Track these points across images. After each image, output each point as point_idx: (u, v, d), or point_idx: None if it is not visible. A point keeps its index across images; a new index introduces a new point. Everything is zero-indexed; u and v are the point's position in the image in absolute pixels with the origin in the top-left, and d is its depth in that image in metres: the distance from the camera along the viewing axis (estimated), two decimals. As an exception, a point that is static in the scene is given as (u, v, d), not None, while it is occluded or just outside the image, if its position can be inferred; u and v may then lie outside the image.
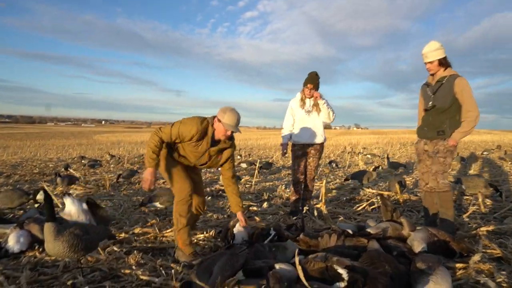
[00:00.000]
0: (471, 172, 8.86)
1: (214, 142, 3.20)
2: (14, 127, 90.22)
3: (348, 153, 16.70)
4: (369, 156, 14.85)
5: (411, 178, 7.80)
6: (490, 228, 3.63)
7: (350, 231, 2.86)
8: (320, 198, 4.80)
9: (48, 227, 2.41)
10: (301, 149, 4.64)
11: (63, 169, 10.13)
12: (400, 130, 74.78)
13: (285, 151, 4.75)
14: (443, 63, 3.59)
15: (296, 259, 2.07)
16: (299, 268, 2.04)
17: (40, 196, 2.43)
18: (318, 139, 4.62)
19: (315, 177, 4.86)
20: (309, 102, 4.58)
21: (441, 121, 3.61)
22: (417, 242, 2.72)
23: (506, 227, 3.71)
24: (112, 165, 12.31)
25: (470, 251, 2.80)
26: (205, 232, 3.76)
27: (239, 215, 3.34)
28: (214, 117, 3.17)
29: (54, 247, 2.42)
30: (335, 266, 2.24)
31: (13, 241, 3.09)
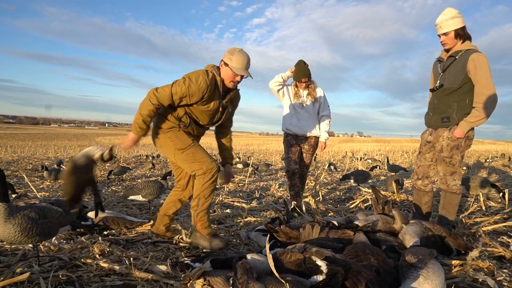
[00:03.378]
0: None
1: (224, 94, 2.84)
2: (18, 127, 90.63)
3: (349, 158, 16.42)
4: (369, 161, 14.55)
5: (410, 181, 7.51)
6: (491, 227, 3.34)
7: (335, 223, 2.60)
8: (312, 194, 4.53)
9: None
10: (294, 139, 4.31)
11: (55, 165, 9.93)
12: (404, 139, 74.22)
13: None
14: (461, 34, 2.98)
15: (267, 247, 1.82)
16: (269, 257, 1.79)
17: None
18: (313, 132, 4.28)
19: (308, 173, 4.54)
20: (303, 93, 4.26)
21: (448, 105, 3.04)
22: (409, 236, 2.45)
23: (508, 227, 3.43)
24: (107, 164, 12.11)
25: (468, 248, 2.52)
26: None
27: (228, 167, 3.16)
28: (215, 66, 2.80)
29: (4, 230, 2.18)
30: (314, 258, 1.98)
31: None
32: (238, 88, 2.94)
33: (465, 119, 2.94)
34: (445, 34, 3.01)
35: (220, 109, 2.85)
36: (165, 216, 3.12)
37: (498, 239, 3.05)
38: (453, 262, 2.35)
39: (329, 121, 4.34)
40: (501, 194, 4.71)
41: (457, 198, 3.17)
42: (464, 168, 10.49)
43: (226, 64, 2.72)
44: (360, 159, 15.00)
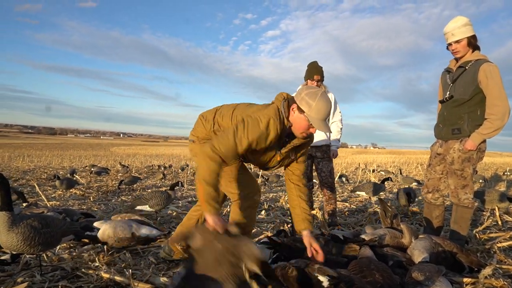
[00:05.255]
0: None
1: (286, 139, 2.27)
2: (36, 137, 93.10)
3: (362, 170, 16.18)
4: (382, 172, 14.28)
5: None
6: (507, 243, 3.20)
7: (341, 237, 2.53)
8: (320, 206, 4.45)
9: (2, 216, 2.19)
10: None
11: (68, 174, 10.08)
12: (419, 150, 72.96)
13: None
14: (472, 43, 2.89)
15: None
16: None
17: None
18: (324, 141, 4.01)
19: (335, 185, 4.14)
20: None
21: (458, 117, 2.94)
22: (418, 252, 2.35)
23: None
24: (120, 174, 12.24)
25: (481, 265, 2.40)
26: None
27: (306, 235, 2.32)
28: (286, 101, 2.17)
29: (7, 239, 2.19)
30: (316, 274, 1.92)
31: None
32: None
33: (477, 131, 2.85)
34: (457, 41, 2.92)
35: (278, 157, 2.27)
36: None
37: (515, 256, 2.91)
38: (465, 280, 2.24)
39: (341, 128, 4.10)
40: (518, 208, 4.54)
41: (469, 212, 3.05)
42: (481, 181, 10.19)
43: (301, 111, 2.10)
44: (373, 171, 14.76)
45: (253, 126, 2.05)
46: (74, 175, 10.23)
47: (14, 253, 2.65)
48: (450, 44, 2.98)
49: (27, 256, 2.64)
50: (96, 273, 2.37)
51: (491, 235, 3.58)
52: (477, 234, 3.52)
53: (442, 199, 3.26)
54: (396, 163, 25.12)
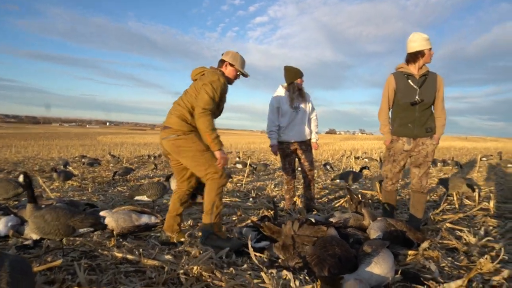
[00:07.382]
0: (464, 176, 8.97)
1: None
2: (19, 127, 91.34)
3: (347, 157, 16.78)
4: (366, 160, 14.90)
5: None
6: (449, 225, 3.80)
7: (312, 220, 3.05)
8: (301, 195, 4.97)
9: (31, 207, 2.64)
10: (290, 146, 4.53)
11: (61, 166, 10.38)
12: (404, 136, 74.28)
13: (276, 152, 4.59)
14: None
15: (249, 243, 2.27)
16: (251, 250, 2.24)
17: (21, 179, 2.72)
18: (308, 135, 4.54)
19: (314, 173, 4.69)
20: (295, 96, 4.41)
21: (427, 117, 3.55)
22: (373, 231, 2.91)
23: (471, 222, 3.88)
24: (111, 165, 12.55)
25: (425, 241, 2.98)
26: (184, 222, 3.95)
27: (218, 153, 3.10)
28: (219, 65, 3.31)
29: (39, 225, 2.66)
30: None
31: (2, 225, 3.32)
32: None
33: (439, 125, 3.57)
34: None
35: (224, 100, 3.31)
36: (177, 216, 3.38)
37: (458, 234, 3.50)
38: (409, 252, 2.81)
39: (317, 124, 4.66)
40: (474, 193, 5.16)
41: (424, 197, 3.70)
42: (456, 167, 10.91)
43: (231, 65, 3.27)
44: (357, 158, 15.34)
45: (217, 84, 3.08)
46: (68, 166, 10.52)
47: (37, 238, 3.11)
48: (426, 52, 3.44)
49: (48, 241, 3.09)
50: (110, 253, 2.84)
51: (444, 216, 4.18)
52: (432, 216, 4.11)
53: (397, 186, 3.84)
54: (382, 149, 25.88)
